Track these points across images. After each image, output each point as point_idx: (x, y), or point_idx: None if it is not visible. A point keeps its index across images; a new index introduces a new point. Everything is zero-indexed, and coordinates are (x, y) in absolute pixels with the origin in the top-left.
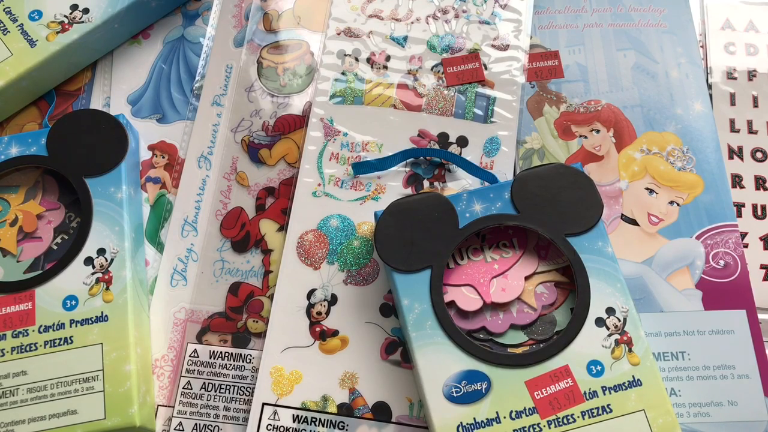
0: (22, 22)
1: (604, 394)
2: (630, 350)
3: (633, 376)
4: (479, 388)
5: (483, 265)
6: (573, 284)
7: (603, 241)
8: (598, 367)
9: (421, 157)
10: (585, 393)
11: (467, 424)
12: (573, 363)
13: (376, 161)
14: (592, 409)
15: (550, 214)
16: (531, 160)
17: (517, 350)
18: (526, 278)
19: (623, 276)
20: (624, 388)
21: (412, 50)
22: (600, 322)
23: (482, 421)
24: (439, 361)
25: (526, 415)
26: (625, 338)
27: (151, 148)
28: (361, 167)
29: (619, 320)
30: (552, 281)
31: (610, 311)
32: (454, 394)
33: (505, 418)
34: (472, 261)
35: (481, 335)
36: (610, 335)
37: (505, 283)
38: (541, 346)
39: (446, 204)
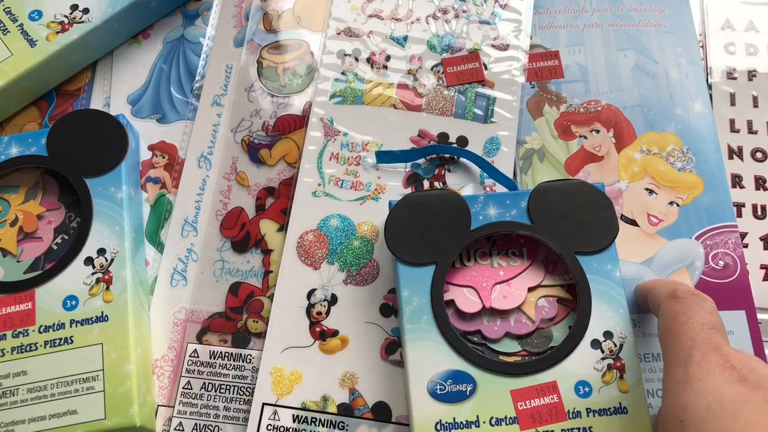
0: (22, 22)
1: (588, 416)
2: (621, 377)
3: (620, 403)
4: (464, 390)
5: (489, 269)
6: (576, 303)
7: (612, 264)
8: (586, 388)
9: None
10: (569, 412)
11: (446, 422)
12: (561, 380)
13: (400, 152)
14: (573, 428)
15: (564, 230)
16: (531, 161)
17: (508, 359)
18: (530, 289)
19: (624, 289)
20: (609, 413)
21: (412, 50)
22: (596, 344)
23: (461, 422)
24: (429, 357)
25: (506, 424)
26: (618, 364)
27: (151, 148)
28: (384, 156)
29: (615, 345)
30: (555, 296)
31: (608, 335)
32: (438, 392)
33: (484, 423)
34: (479, 264)
35: (475, 338)
36: (603, 358)
37: (507, 290)
38: (533, 358)
39: (461, 203)
